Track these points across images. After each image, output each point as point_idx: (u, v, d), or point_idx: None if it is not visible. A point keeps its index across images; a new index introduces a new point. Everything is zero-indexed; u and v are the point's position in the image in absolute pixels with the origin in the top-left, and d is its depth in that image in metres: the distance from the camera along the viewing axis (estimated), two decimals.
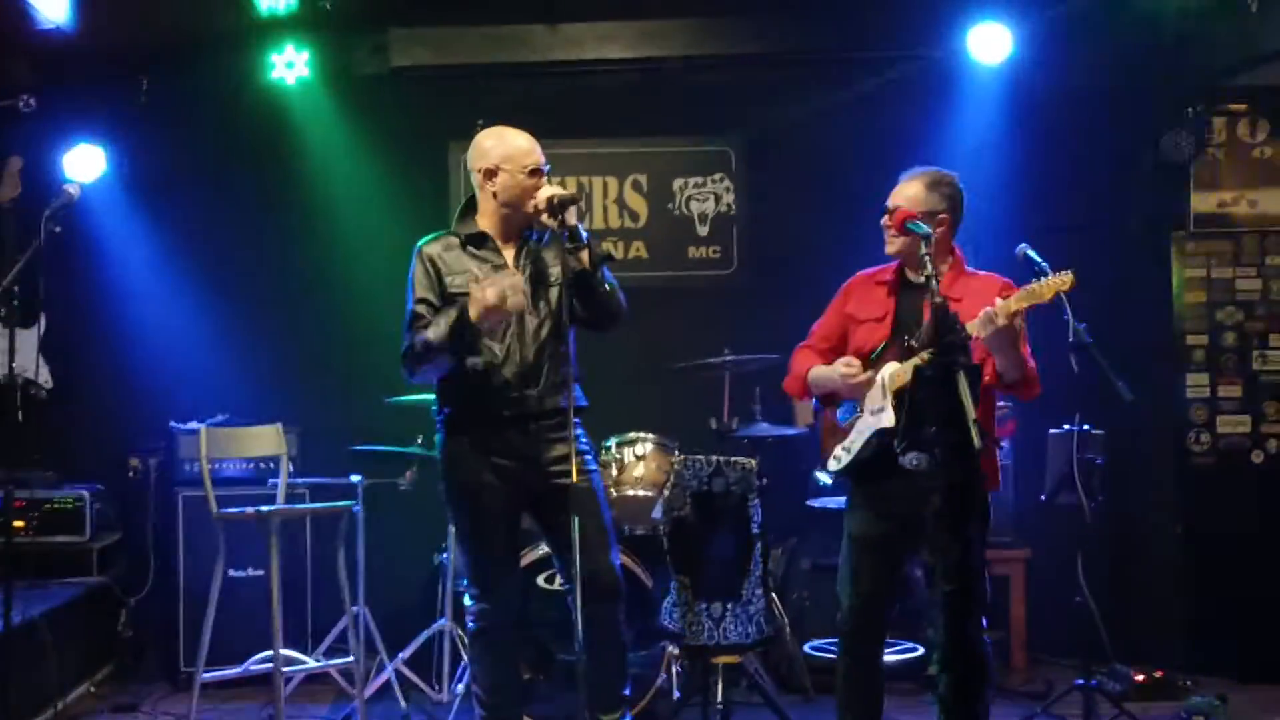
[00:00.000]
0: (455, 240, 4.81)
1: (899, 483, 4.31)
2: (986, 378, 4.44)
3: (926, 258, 4.23)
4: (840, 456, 4.63)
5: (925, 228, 4.38)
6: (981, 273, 4.68)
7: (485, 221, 4.82)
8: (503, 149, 4.75)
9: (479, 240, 4.79)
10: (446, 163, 7.41)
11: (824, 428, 4.80)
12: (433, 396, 5.12)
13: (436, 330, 4.56)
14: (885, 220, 4.59)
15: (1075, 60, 7.03)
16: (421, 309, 4.71)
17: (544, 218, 4.60)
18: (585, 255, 4.59)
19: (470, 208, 4.88)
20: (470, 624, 4.84)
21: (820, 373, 4.72)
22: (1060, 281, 4.21)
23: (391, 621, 6.40)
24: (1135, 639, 6.57)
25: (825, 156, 7.26)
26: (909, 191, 4.59)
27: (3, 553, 5.55)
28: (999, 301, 4.24)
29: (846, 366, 4.58)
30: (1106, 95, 7.01)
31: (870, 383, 4.55)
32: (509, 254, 4.79)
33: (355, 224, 7.25)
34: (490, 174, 4.75)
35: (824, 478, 4.80)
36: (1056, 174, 7.02)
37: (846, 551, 4.68)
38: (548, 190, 4.59)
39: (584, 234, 4.59)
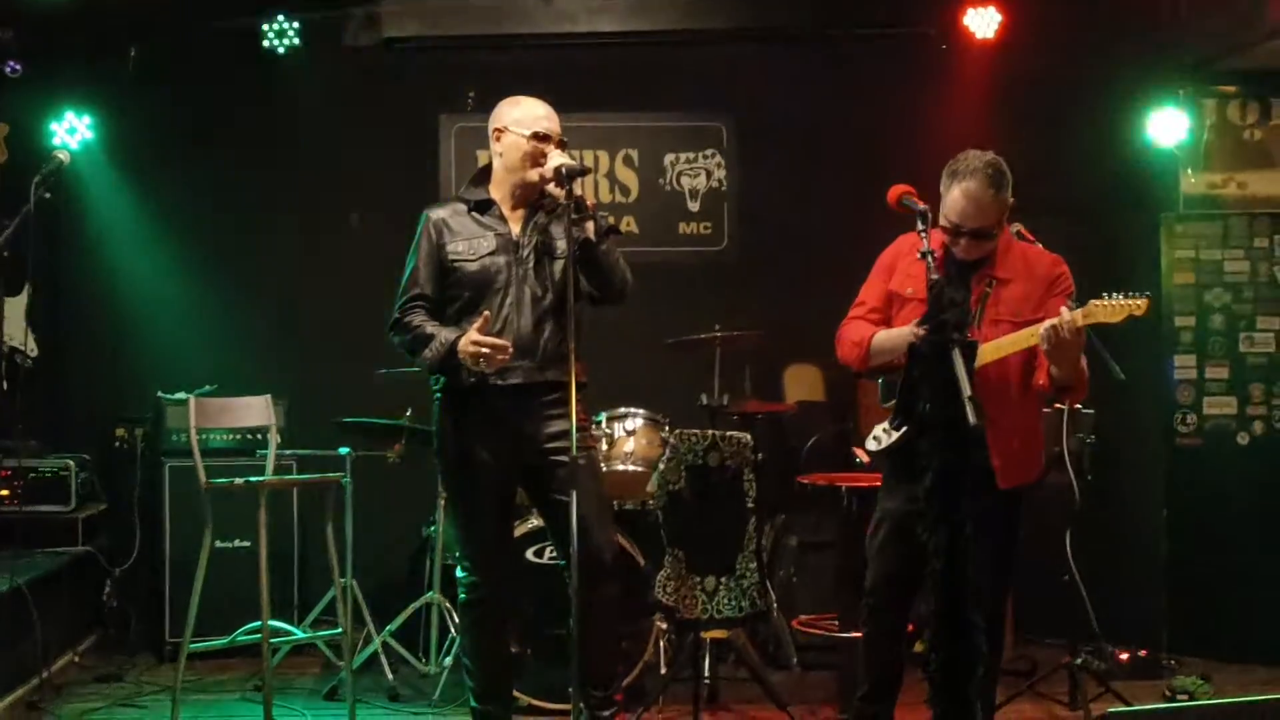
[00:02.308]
0: (463, 206, 4.83)
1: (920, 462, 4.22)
2: (1040, 381, 4.39)
3: (924, 234, 4.21)
4: (880, 437, 4.51)
5: (920, 205, 4.34)
6: (1028, 245, 4.63)
7: (495, 189, 4.84)
8: (516, 112, 4.79)
9: (485, 206, 4.81)
10: (437, 134, 7.40)
11: (863, 400, 4.74)
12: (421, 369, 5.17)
13: (432, 354, 4.62)
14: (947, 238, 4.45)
15: (1066, 40, 7.02)
16: (414, 280, 4.74)
17: (550, 187, 4.62)
18: (591, 227, 4.59)
19: (485, 174, 4.90)
20: (461, 596, 4.84)
21: (887, 337, 4.51)
22: (1135, 305, 4.14)
23: (379, 594, 6.41)
24: (1121, 619, 6.58)
25: (817, 132, 7.26)
26: (980, 207, 4.35)
27: None
28: (1064, 313, 4.14)
29: (907, 332, 4.37)
30: (1097, 76, 7.01)
31: None
32: (515, 225, 4.79)
33: (345, 195, 7.23)
34: (499, 135, 4.79)
35: (863, 456, 4.72)
36: (1047, 154, 7.01)
37: (877, 527, 4.63)
38: (556, 159, 4.59)
39: (593, 205, 4.60)
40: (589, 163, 7.36)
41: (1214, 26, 6.82)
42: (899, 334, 4.43)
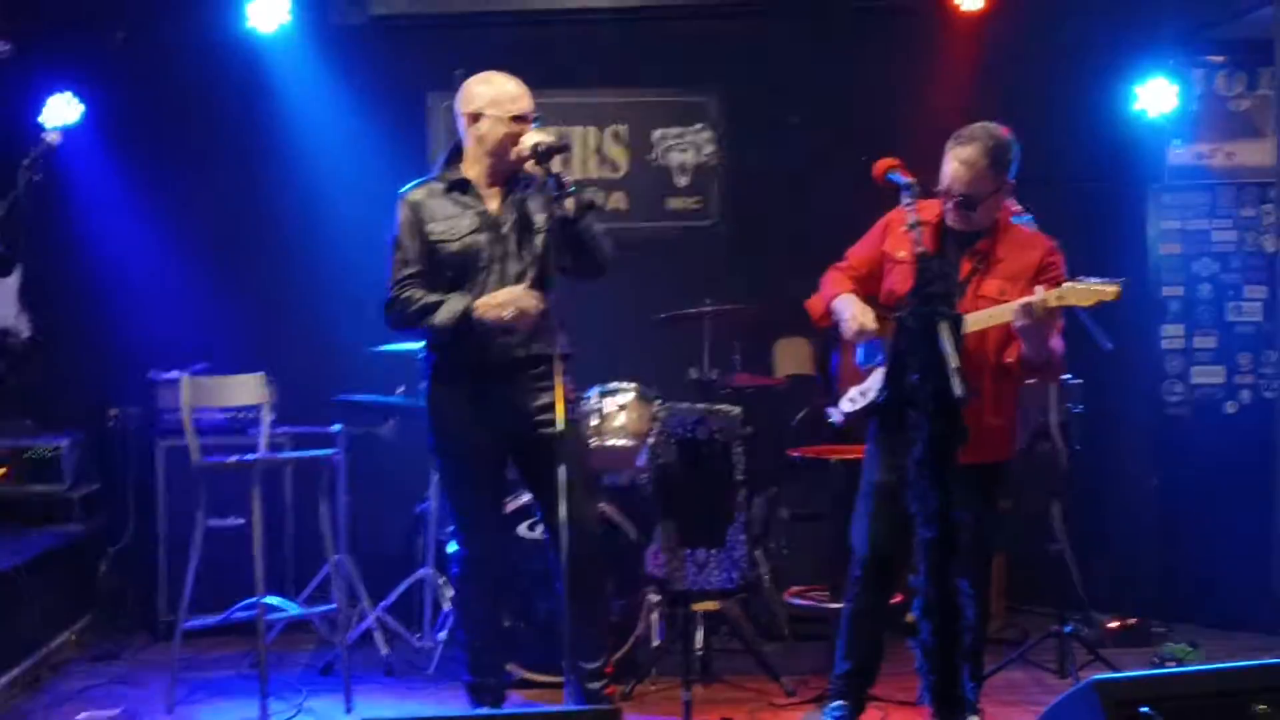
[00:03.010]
0: (439, 186, 4.83)
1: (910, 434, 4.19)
2: (1010, 359, 4.42)
3: (909, 207, 4.22)
4: (855, 399, 4.57)
5: (905, 178, 4.35)
6: (1026, 227, 4.64)
7: (470, 168, 4.83)
8: (490, 93, 4.77)
9: (462, 186, 4.80)
10: (425, 112, 7.39)
11: (843, 366, 4.72)
12: (415, 346, 5.19)
13: (443, 317, 4.63)
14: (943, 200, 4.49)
15: (1054, 9, 7.02)
16: (404, 260, 4.74)
17: (528, 165, 4.62)
18: (570, 203, 4.58)
19: (457, 154, 4.89)
20: (454, 570, 4.88)
21: (843, 303, 4.60)
22: (1107, 290, 4.19)
23: (373, 570, 6.42)
24: (1110, 587, 6.64)
25: (805, 106, 7.26)
26: (974, 174, 4.40)
27: None
28: (1039, 292, 4.19)
29: (854, 317, 4.48)
30: (1085, 45, 7.02)
31: (881, 333, 4.46)
32: (493, 202, 4.81)
33: (334, 173, 7.21)
34: (475, 118, 4.77)
35: (835, 415, 4.74)
36: (1034, 124, 6.96)
37: (861, 499, 4.66)
38: (533, 136, 4.59)
39: (570, 183, 4.58)
40: (576, 138, 7.36)
41: None
42: (846, 306, 4.53)
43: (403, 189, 4.87)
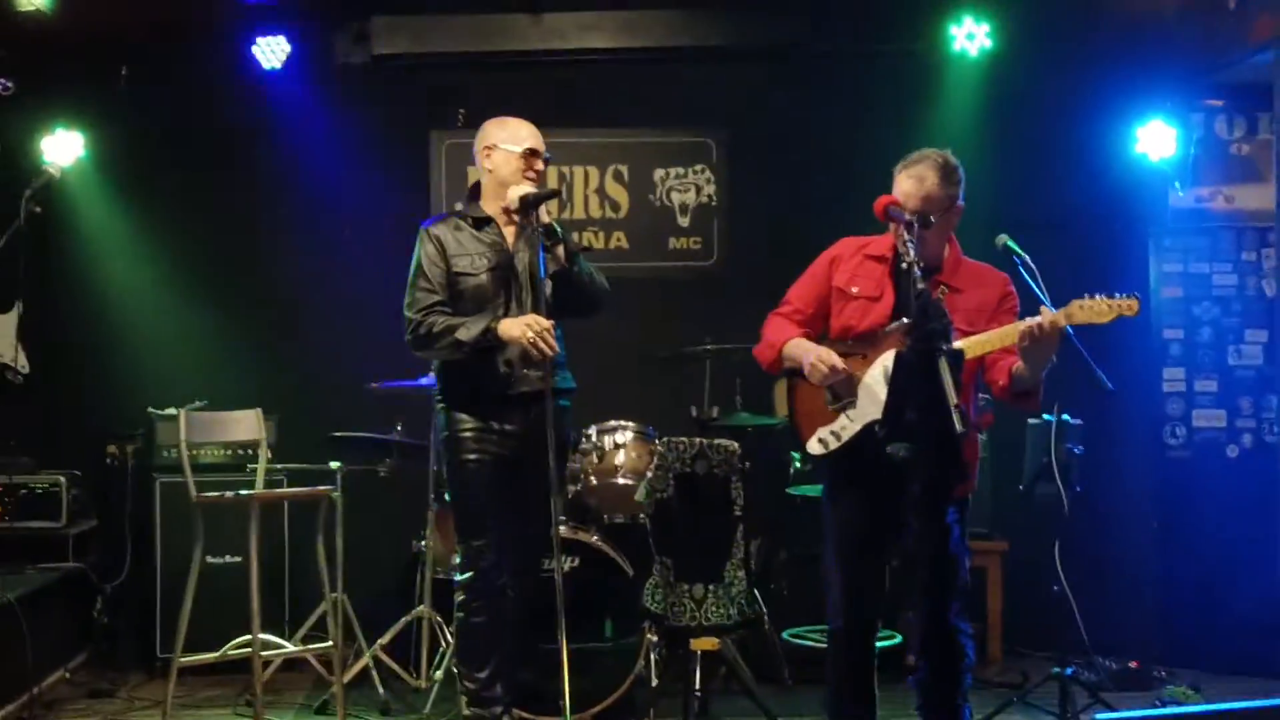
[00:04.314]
0: (459, 221, 5.02)
1: (886, 473, 4.05)
2: (1001, 383, 4.37)
3: (910, 244, 4.20)
4: (828, 440, 4.41)
5: (907, 215, 4.33)
6: (975, 262, 4.63)
7: (489, 204, 5.04)
8: (503, 131, 5.02)
9: (482, 222, 5.00)
10: (428, 152, 7.43)
11: (800, 405, 4.54)
12: (413, 382, 5.25)
13: (467, 333, 4.78)
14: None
15: (1055, 55, 7.07)
16: (428, 289, 4.88)
17: (515, 217, 4.86)
18: (560, 251, 4.80)
19: (477, 191, 5.10)
20: (462, 599, 4.89)
21: (796, 348, 4.49)
22: (1125, 306, 4.15)
23: (370, 608, 6.39)
24: (1111, 630, 6.59)
25: (806, 148, 7.30)
26: (925, 190, 4.37)
27: None
28: (1045, 313, 4.14)
29: (820, 360, 4.34)
30: (1086, 89, 7.06)
31: (846, 377, 4.36)
32: (510, 235, 4.99)
33: (336, 212, 7.24)
34: (489, 153, 5.00)
35: (801, 459, 4.67)
36: (1035, 168, 7.06)
37: (833, 546, 4.50)
38: (517, 190, 4.83)
39: (558, 229, 4.80)
40: (578, 178, 7.38)
41: (1200, 43, 6.86)
42: (806, 351, 4.42)
43: (425, 222, 5.04)
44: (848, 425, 4.40)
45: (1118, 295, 4.19)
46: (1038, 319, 4.16)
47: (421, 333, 4.85)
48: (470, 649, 4.94)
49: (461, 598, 4.91)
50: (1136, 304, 4.18)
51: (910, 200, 4.38)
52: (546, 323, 4.72)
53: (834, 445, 4.42)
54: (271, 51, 7.04)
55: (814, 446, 4.48)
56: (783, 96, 7.40)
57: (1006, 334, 4.27)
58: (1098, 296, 4.19)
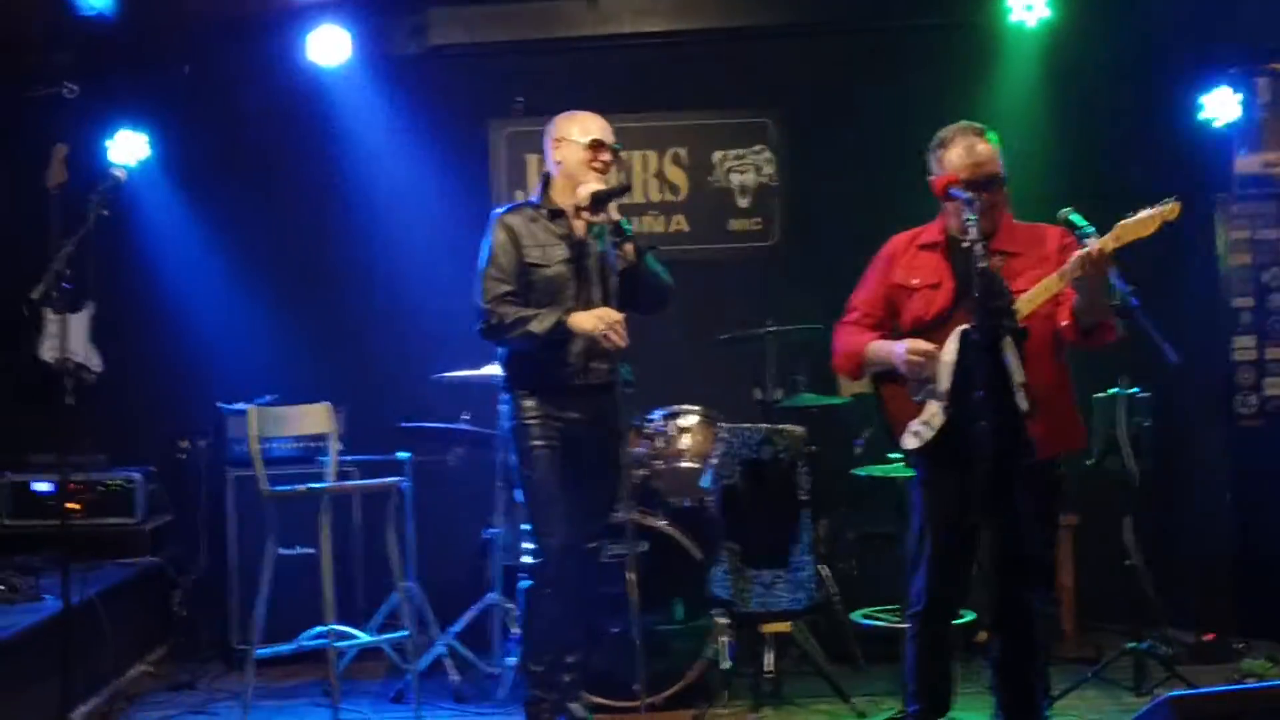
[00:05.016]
0: (531, 212, 5.08)
1: (974, 451, 4.07)
2: (1065, 323, 4.29)
3: (970, 223, 4.18)
4: (921, 433, 4.40)
5: (967, 193, 4.30)
6: (1025, 224, 4.59)
7: (560, 196, 5.08)
8: (571, 124, 5.08)
9: (556, 214, 5.05)
10: (486, 140, 7.44)
11: (890, 405, 4.56)
12: (480, 372, 5.32)
13: (540, 325, 4.86)
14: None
15: (1115, 22, 6.99)
16: (500, 279, 4.94)
17: (584, 215, 4.89)
18: (630, 249, 4.85)
19: (548, 183, 5.15)
20: (529, 584, 4.94)
21: (879, 349, 4.52)
22: (1168, 211, 4.10)
23: (441, 596, 6.44)
24: (1185, 603, 6.54)
25: (864, 124, 7.23)
26: (975, 157, 4.40)
27: (59, 535, 5.64)
28: (1091, 242, 4.08)
29: (913, 351, 4.37)
30: (1147, 57, 6.97)
31: (934, 359, 4.35)
32: (580, 229, 5.03)
33: (396, 203, 7.28)
34: (558, 144, 5.07)
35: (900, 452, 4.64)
36: (1097, 137, 6.99)
37: (922, 530, 4.52)
38: (588, 187, 4.87)
39: (627, 227, 4.84)
40: (637, 162, 7.38)
41: (1263, 4, 6.76)
42: (888, 350, 4.46)
43: (497, 211, 5.11)
44: (936, 413, 4.39)
45: (1159, 205, 4.12)
46: (1084, 250, 4.11)
47: (494, 323, 4.92)
48: (536, 633, 5.00)
49: (529, 583, 4.97)
50: (1178, 207, 4.12)
51: (993, 164, 4.38)
52: (618, 315, 4.77)
53: (928, 436, 4.41)
54: (330, 45, 7.08)
55: (909, 442, 4.48)
56: (839, 73, 7.35)
57: (1049, 284, 4.23)
58: (1142, 212, 4.12)
